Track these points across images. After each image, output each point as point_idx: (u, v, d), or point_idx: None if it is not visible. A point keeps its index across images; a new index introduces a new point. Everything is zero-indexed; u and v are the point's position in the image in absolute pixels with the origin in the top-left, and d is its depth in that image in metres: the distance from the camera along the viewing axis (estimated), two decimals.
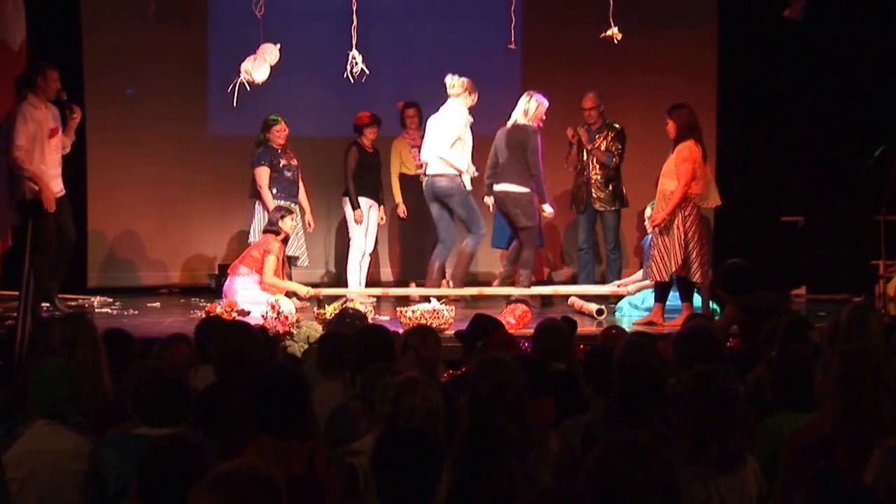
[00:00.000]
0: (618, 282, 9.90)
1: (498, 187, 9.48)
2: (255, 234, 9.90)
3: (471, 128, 9.63)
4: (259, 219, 9.95)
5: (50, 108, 8.88)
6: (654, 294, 9.00)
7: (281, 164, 9.93)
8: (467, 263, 9.72)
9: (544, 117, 9.42)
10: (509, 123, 9.45)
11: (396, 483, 3.40)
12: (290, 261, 9.94)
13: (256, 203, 10.01)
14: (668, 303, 9.20)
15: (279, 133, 9.94)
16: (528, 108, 9.35)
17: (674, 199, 8.52)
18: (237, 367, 4.91)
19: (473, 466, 3.67)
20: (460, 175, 9.54)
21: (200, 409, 4.51)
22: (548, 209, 9.47)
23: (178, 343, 5.86)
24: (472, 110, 9.55)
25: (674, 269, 8.60)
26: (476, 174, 9.66)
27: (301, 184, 10.16)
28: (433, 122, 9.66)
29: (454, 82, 9.51)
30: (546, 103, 9.38)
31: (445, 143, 9.49)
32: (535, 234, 9.53)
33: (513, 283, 9.71)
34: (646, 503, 3.13)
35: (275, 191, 9.89)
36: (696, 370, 4.02)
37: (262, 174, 9.88)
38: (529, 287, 9.51)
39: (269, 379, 4.22)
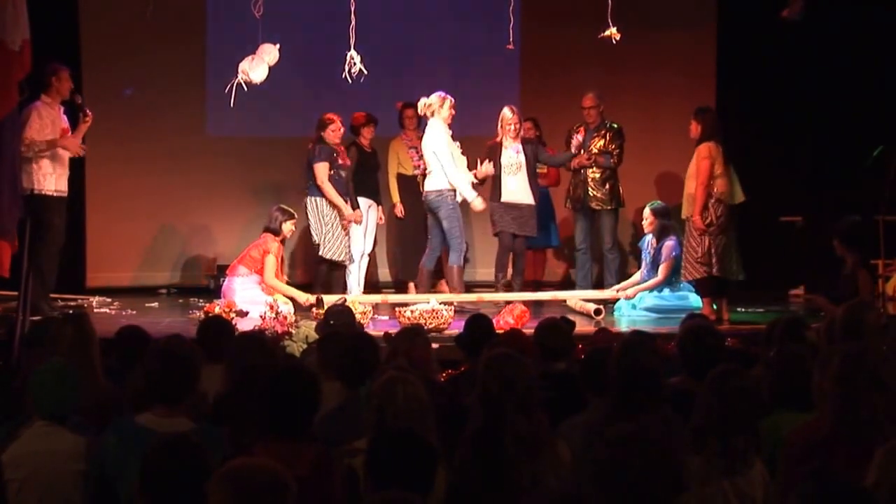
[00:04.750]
0: (616, 286, 9.89)
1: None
2: (317, 232, 9.73)
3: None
4: (316, 215, 9.72)
5: (60, 111, 9.15)
6: (695, 291, 9.23)
7: (339, 163, 9.75)
8: (460, 278, 9.71)
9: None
10: (519, 136, 9.66)
11: (391, 486, 3.40)
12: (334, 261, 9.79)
13: (309, 200, 9.75)
14: (682, 303, 9.26)
15: (334, 132, 9.74)
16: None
17: (697, 199, 8.75)
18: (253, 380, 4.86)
19: (483, 464, 3.67)
20: (453, 190, 9.55)
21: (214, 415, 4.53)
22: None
23: None
24: (451, 122, 9.60)
25: (709, 267, 8.83)
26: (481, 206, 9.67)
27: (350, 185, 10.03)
28: (423, 147, 9.74)
29: (423, 103, 9.61)
30: None
31: (448, 168, 9.49)
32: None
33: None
34: (649, 490, 3.16)
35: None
36: (715, 370, 4.03)
37: (321, 170, 9.65)
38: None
39: (281, 379, 4.21)
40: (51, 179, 9.04)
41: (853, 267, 7.80)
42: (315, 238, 9.75)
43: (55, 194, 9.07)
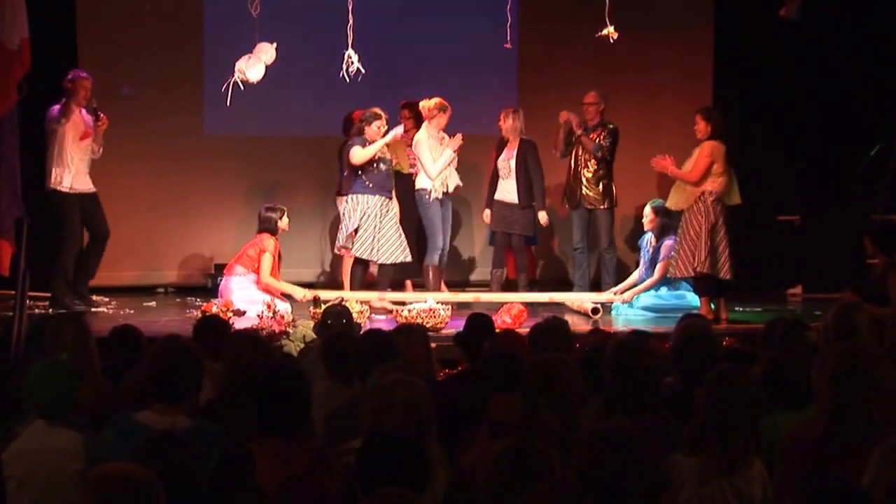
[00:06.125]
0: (614, 289, 9.90)
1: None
2: (345, 231, 9.59)
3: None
4: (349, 215, 9.54)
5: (83, 114, 9.54)
6: (693, 290, 9.29)
7: (377, 157, 9.56)
8: (436, 278, 9.91)
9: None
10: (518, 139, 9.90)
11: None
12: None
13: (350, 199, 9.56)
14: (680, 302, 9.25)
15: (378, 129, 9.54)
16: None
17: (682, 176, 8.95)
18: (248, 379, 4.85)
19: (510, 460, 3.69)
20: (428, 190, 9.82)
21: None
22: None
23: None
24: (445, 128, 9.87)
25: (703, 265, 8.81)
26: (459, 185, 9.95)
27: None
28: (413, 148, 9.99)
29: (423, 104, 9.88)
30: None
31: (427, 164, 9.79)
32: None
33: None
34: (632, 487, 3.22)
35: (369, 184, 9.52)
36: (714, 370, 4.03)
37: (356, 152, 9.46)
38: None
39: (271, 378, 4.21)
40: (68, 177, 9.43)
41: (883, 268, 7.75)
42: (358, 240, 9.50)
43: (70, 191, 9.47)
